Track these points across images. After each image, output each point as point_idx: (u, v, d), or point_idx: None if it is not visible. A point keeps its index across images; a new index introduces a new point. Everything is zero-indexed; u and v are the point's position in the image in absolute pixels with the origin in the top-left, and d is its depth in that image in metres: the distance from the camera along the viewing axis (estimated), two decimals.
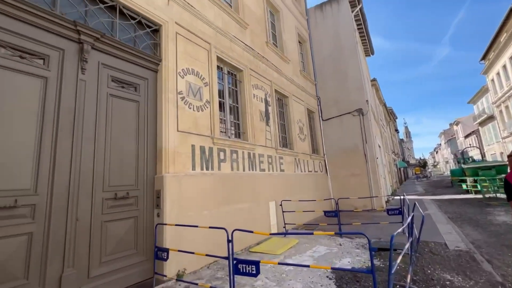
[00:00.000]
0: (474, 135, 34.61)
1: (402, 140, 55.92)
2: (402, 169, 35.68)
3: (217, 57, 5.25)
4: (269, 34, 7.66)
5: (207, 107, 4.71)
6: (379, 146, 11.06)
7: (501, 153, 24.88)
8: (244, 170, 5.33)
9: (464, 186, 13.70)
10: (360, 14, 10.64)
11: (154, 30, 4.14)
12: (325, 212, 5.33)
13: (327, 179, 9.61)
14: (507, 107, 22.64)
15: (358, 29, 11.70)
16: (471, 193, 12.55)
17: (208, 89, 4.82)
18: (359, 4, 10.06)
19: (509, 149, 23.09)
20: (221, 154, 4.82)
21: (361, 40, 12.68)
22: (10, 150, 2.49)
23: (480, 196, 11.13)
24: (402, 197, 5.09)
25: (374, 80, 16.78)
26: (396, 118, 39.15)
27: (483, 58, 24.97)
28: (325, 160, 9.72)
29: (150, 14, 3.98)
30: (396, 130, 39.18)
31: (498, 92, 23.72)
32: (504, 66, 21.44)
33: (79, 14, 3.24)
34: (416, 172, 43.82)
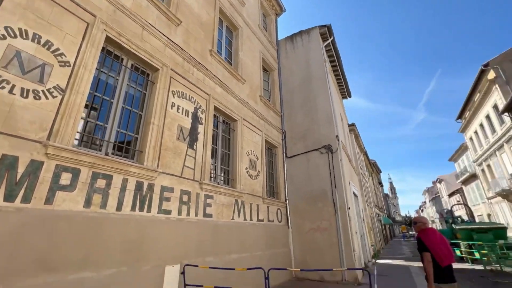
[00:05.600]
0: (458, 194, 33.47)
1: (387, 195, 54.32)
2: (388, 226, 33.12)
3: (108, 37, 3.64)
4: (217, 44, 6.39)
5: (56, 96, 2.86)
6: (355, 195, 9.15)
7: (489, 215, 23.33)
8: (119, 209, 3.23)
9: (458, 252, 11.45)
10: (332, 49, 9.94)
11: None
12: None
13: (288, 233, 7.36)
14: (489, 166, 21.96)
15: (332, 66, 10.97)
16: (467, 261, 10.34)
17: (69, 70, 3.05)
18: (330, 37, 9.38)
19: (496, 212, 21.71)
20: (65, 176, 2.78)
21: (337, 79, 11.91)
22: None
23: (479, 267, 8.98)
24: (373, 271, 3.03)
25: (352, 125, 15.82)
26: (380, 172, 38.14)
27: (459, 117, 25.36)
28: (286, 207, 7.61)
29: None
30: (380, 184, 37.83)
31: (478, 150, 23.36)
32: (481, 125, 21.45)
33: None
34: (403, 231, 40.86)
